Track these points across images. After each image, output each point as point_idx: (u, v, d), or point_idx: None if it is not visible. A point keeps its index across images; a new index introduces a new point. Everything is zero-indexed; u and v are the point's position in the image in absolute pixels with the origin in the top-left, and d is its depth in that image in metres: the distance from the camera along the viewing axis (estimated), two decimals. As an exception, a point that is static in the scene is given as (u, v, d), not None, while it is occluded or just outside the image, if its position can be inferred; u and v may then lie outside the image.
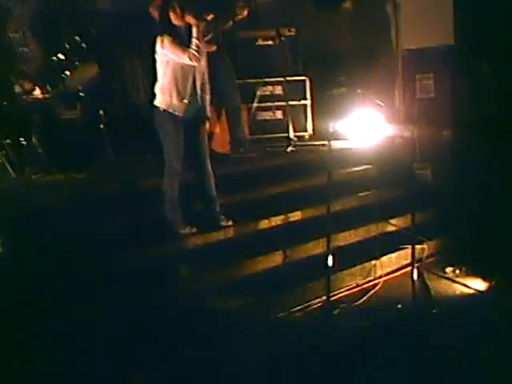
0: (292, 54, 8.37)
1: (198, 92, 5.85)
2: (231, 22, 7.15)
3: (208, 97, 5.97)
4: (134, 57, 7.50)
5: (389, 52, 8.26)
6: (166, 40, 5.66)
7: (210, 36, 6.76)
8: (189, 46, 5.68)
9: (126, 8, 7.74)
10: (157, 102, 5.82)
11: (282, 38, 8.00)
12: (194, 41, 5.69)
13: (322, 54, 8.47)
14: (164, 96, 5.78)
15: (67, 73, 6.92)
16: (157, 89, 5.82)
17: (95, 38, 7.19)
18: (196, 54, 5.67)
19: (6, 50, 6.95)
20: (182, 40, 5.72)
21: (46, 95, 6.86)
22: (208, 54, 6.14)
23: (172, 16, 5.75)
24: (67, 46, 6.91)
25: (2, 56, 6.82)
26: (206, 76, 5.97)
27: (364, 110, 5.96)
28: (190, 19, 5.73)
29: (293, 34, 8.42)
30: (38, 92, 6.88)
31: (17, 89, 6.81)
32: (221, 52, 7.23)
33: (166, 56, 5.71)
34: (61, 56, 6.86)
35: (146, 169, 6.71)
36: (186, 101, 5.75)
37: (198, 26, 5.73)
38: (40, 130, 6.65)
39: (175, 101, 5.75)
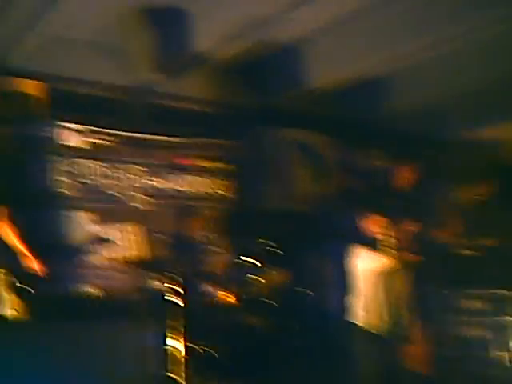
0: (497, 265, 7.56)
1: (395, 307, 5.44)
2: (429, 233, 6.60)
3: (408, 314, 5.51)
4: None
5: None
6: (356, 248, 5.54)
7: (410, 245, 6.28)
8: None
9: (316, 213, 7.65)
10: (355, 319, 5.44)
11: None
12: (385, 239, 5.62)
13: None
14: (360, 310, 5.36)
15: (254, 277, 6.62)
16: (354, 304, 5.42)
17: (288, 242, 6.92)
18: (388, 250, 5.62)
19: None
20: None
21: (231, 299, 6.55)
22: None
23: (366, 223, 5.57)
24: (256, 250, 6.67)
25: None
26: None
27: None
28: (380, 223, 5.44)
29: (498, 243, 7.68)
30: (223, 295, 6.60)
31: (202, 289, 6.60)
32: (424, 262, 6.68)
33: (364, 270, 5.51)
34: (249, 259, 6.61)
35: None
36: (382, 316, 5.27)
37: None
38: (222, 335, 6.26)
39: (372, 316, 5.27)
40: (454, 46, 6.72)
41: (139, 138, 7.26)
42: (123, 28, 6.63)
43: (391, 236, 5.71)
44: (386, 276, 5.66)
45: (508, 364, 7.18)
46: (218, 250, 7.14)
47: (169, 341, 5.74)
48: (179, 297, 5.97)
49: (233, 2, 5.91)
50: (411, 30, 6.58)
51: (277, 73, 7.65)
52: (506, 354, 7.37)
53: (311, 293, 6.82)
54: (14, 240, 5.03)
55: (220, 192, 7.68)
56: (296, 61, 7.52)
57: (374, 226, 5.67)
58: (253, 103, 7.95)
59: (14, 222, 5.10)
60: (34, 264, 5.02)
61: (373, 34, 6.79)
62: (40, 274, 5.05)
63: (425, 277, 6.76)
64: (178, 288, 5.90)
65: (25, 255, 5.05)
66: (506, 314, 7.41)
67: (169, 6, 6.29)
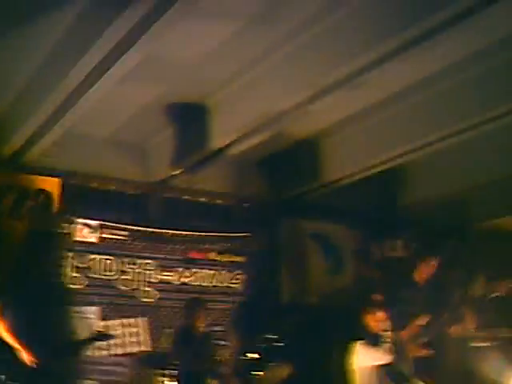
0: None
1: None
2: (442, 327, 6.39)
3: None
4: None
5: None
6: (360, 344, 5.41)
7: (421, 339, 6.08)
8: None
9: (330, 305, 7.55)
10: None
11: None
12: (387, 334, 5.43)
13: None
14: None
15: (259, 373, 6.49)
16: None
17: (292, 336, 6.80)
18: (390, 346, 5.39)
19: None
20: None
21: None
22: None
23: (368, 318, 5.51)
24: (262, 345, 6.55)
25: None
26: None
27: None
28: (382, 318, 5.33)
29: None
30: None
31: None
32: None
33: (361, 362, 5.42)
34: (254, 355, 6.49)
35: None
36: None
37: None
38: None
39: None
40: (474, 134, 6.65)
41: (153, 233, 7.34)
42: (142, 125, 6.86)
43: (397, 331, 5.53)
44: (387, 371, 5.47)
45: None
46: (226, 344, 7.03)
47: None
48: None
49: (251, 96, 6.08)
50: (430, 122, 6.66)
51: (295, 166, 7.74)
52: None
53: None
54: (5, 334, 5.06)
55: (232, 285, 7.65)
56: (314, 154, 7.61)
57: (379, 321, 5.50)
58: (270, 196, 8.01)
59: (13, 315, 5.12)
60: (28, 358, 5.01)
61: (392, 126, 6.87)
62: (34, 368, 5.01)
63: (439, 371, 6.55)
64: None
65: (19, 350, 5.06)
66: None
67: (188, 103, 6.51)
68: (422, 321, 5.96)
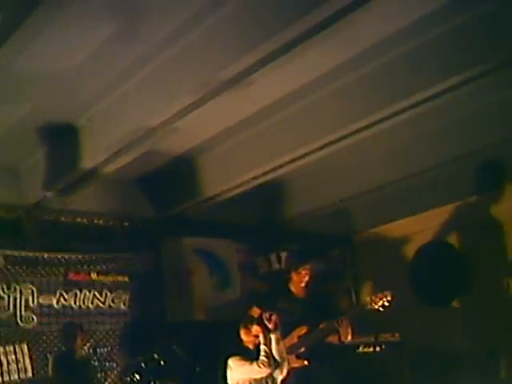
0: (396, 361, 7.46)
1: None
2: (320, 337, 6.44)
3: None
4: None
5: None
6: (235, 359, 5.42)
7: (297, 350, 6.12)
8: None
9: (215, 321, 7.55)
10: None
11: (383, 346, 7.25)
12: (263, 347, 5.37)
13: (430, 359, 7.54)
14: None
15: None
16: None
17: (176, 355, 6.73)
18: (265, 360, 5.32)
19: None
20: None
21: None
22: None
23: (243, 333, 5.56)
24: (143, 366, 6.47)
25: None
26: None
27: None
28: (257, 332, 5.34)
29: (397, 338, 7.60)
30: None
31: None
32: (315, 366, 6.51)
33: (236, 376, 5.41)
34: (136, 376, 6.41)
35: None
36: None
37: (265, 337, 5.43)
38: None
39: None
40: (351, 143, 6.75)
41: (30, 256, 7.14)
42: (13, 146, 6.66)
43: (274, 343, 5.54)
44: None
45: None
46: (110, 366, 6.92)
47: None
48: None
49: (121, 113, 5.97)
50: (304, 133, 6.74)
51: (175, 182, 7.71)
52: None
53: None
54: None
55: (115, 306, 7.53)
56: (193, 170, 7.60)
57: (254, 335, 5.51)
58: (152, 214, 7.95)
59: None
60: None
61: (268, 138, 6.92)
62: None
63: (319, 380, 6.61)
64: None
65: None
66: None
67: (58, 121, 6.35)
68: (300, 332, 6.02)
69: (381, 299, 5.88)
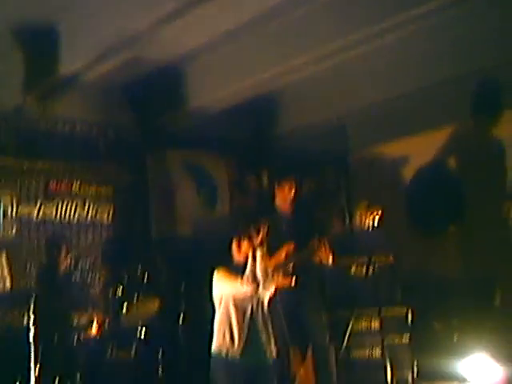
0: (389, 284, 7.35)
1: (261, 332, 5.14)
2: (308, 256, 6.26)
3: (274, 339, 5.22)
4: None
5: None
6: (221, 271, 5.23)
7: (284, 268, 5.94)
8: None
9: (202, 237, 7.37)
10: (212, 347, 5.16)
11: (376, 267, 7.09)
12: (249, 263, 5.17)
13: (424, 283, 7.42)
14: (217, 337, 5.13)
15: (127, 306, 6.25)
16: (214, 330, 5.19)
17: (160, 270, 6.57)
18: (250, 276, 5.13)
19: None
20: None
21: (101, 332, 6.15)
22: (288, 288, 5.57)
23: (234, 250, 5.33)
24: (127, 278, 6.30)
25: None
26: (280, 317, 5.58)
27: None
28: (247, 248, 5.18)
29: (391, 261, 7.46)
30: (94, 327, 6.19)
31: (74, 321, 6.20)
32: (303, 285, 6.35)
33: (220, 289, 5.22)
34: (119, 289, 6.25)
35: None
36: (239, 341, 5.03)
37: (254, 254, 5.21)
38: (87, 373, 5.86)
39: (228, 342, 5.04)
40: (348, 57, 6.54)
41: (10, 165, 6.84)
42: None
43: (259, 259, 5.35)
44: (258, 301, 5.30)
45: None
46: (93, 279, 6.77)
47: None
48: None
49: (104, 16, 5.64)
50: (299, 44, 6.40)
51: (161, 93, 7.37)
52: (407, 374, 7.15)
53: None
54: None
55: (99, 219, 7.28)
56: (181, 79, 7.26)
57: (244, 251, 5.31)
58: (137, 124, 7.63)
59: None
60: None
61: (261, 47, 6.58)
62: None
63: (307, 300, 6.48)
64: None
65: None
66: (399, 333, 7.21)
67: (37, 24, 5.99)
68: (287, 248, 5.86)
69: (371, 214, 5.75)
